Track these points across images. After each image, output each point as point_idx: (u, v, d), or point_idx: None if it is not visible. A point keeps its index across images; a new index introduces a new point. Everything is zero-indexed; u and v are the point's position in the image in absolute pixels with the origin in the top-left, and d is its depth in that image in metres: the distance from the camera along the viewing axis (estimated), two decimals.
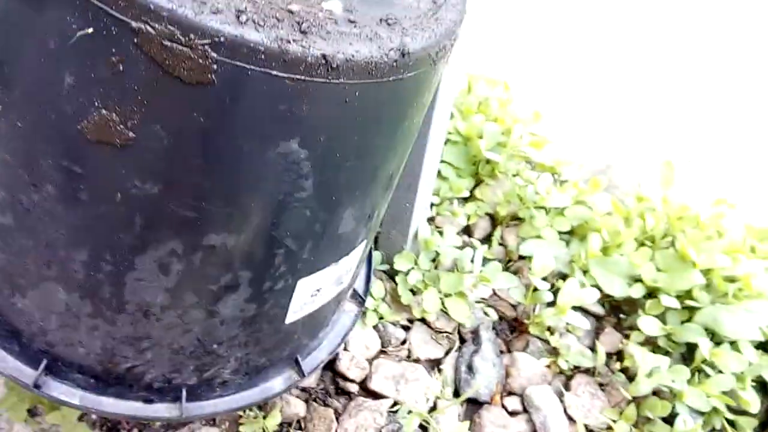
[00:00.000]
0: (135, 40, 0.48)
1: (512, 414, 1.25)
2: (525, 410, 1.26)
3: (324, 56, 0.51)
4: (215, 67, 0.50)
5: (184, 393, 0.78)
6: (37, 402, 0.94)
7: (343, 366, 1.24)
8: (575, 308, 1.32)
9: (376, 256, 1.42)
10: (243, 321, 0.73)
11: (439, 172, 1.53)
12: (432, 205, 1.51)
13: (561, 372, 1.32)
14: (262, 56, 0.50)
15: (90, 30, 0.49)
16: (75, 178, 0.58)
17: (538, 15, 2.36)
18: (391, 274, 1.41)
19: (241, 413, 1.06)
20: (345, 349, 1.29)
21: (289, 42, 0.50)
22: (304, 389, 1.22)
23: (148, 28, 0.48)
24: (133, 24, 0.47)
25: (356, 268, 0.86)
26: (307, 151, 0.58)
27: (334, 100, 0.55)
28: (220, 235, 0.62)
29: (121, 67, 0.50)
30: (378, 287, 1.36)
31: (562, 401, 1.25)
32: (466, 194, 1.51)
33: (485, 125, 1.53)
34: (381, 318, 1.35)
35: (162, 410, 0.78)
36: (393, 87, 0.58)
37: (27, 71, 0.53)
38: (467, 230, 1.59)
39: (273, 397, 0.87)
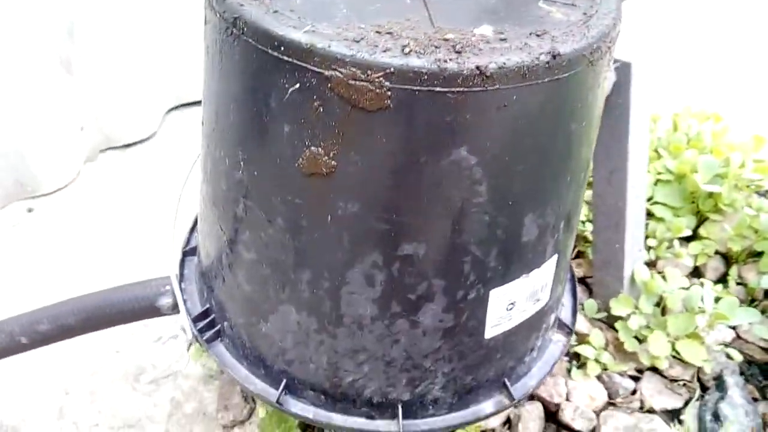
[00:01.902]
0: (329, 85, 0.64)
1: None
2: None
3: (478, 68, 0.62)
4: (390, 93, 0.63)
5: (400, 410, 0.87)
6: None
7: (567, 416, 1.23)
8: None
9: (591, 304, 1.40)
10: (444, 332, 0.81)
11: (653, 213, 1.49)
12: (650, 248, 1.46)
13: None
14: (425, 77, 0.62)
15: (297, 85, 0.66)
16: (297, 209, 0.74)
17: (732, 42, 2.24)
18: (610, 323, 1.38)
19: None
20: (567, 399, 1.27)
21: (445, 62, 0.62)
22: None
23: (337, 73, 0.63)
24: (326, 72, 0.64)
25: (555, 288, 0.90)
26: (477, 157, 0.68)
27: (493, 105, 0.65)
28: (411, 244, 0.73)
29: (321, 109, 0.66)
30: (597, 336, 1.34)
31: None
32: (688, 233, 1.43)
33: (699, 158, 1.47)
34: (605, 368, 1.31)
35: (382, 426, 0.88)
36: (549, 87, 0.66)
37: (258, 130, 0.72)
38: (697, 272, 1.50)
39: (484, 418, 0.91)
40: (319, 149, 0.69)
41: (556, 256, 0.84)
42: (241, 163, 0.77)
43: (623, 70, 1.09)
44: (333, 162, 0.69)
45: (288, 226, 0.76)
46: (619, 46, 1.10)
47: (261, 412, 1.26)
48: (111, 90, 1.97)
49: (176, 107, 2.25)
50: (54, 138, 1.85)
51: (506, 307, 0.82)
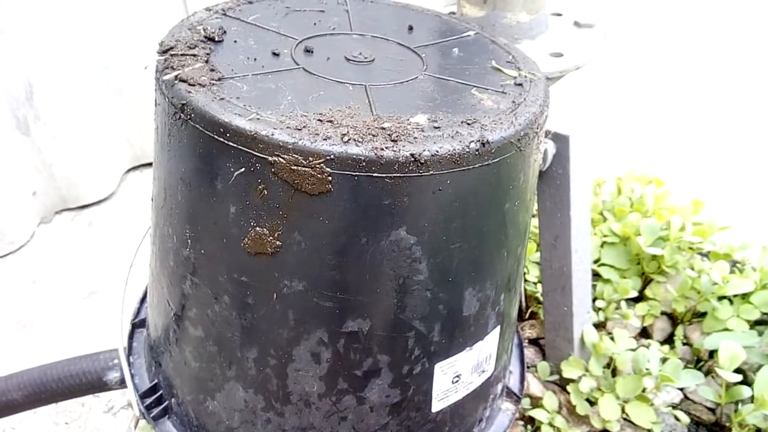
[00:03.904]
0: (272, 170, 0.67)
1: None
2: None
3: (412, 155, 0.65)
4: (330, 178, 0.66)
5: None
6: None
7: None
8: None
9: (544, 367, 1.42)
10: (391, 408, 0.82)
11: (600, 275, 1.54)
12: (598, 309, 1.50)
13: None
14: (364, 163, 0.65)
15: (242, 169, 0.68)
16: (243, 287, 0.76)
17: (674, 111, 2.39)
18: (563, 385, 1.40)
19: None
20: None
21: (382, 149, 0.65)
22: None
23: (280, 159, 0.66)
24: (270, 158, 0.66)
25: (500, 358, 0.92)
26: (415, 237, 0.71)
27: (429, 189, 0.68)
28: (356, 321, 0.75)
29: (266, 192, 0.69)
30: (550, 399, 1.35)
31: None
32: (634, 294, 1.48)
33: (642, 222, 1.53)
34: None
35: None
36: (480, 172, 0.70)
37: (205, 210, 0.74)
38: (645, 333, 1.54)
39: None
40: (264, 230, 0.71)
41: (498, 328, 0.87)
42: (189, 241, 0.78)
43: (562, 142, 1.15)
44: (278, 242, 0.71)
45: (234, 303, 0.77)
46: (558, 119, 1.16)
47: None
48: (68, 151, 1.97)
49: (136, 167, 2.26)
50: (5, 201, 1.83)
51: (452, 379, 0.84)
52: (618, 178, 1.71)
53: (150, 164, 2.25)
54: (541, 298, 1.54)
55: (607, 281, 1.53)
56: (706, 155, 2.24)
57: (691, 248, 1.54)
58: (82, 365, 1.05)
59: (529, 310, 1.59)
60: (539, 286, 1.57)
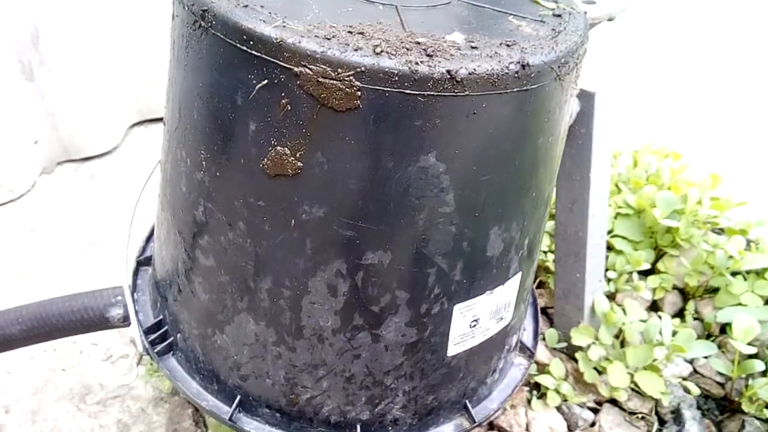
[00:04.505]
0: (298, 82, 0.63)
1: None
2: None
3: (448, 72, 0.61)
4: (359, 93, 0.62)
5: (359, 430, 0.84)
6: None
7: None
8: None
9: (552, 334, 1.39)
10: (406, 348, 0.78)
11: (613, 246, 1.51)
12: (609, 280, 1.47)
13: None
14: (396, 78, 0.61)
15: (265, 81, 0.64)
16: (259, 212, 0.72)
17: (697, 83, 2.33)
18: (570, 353, 1.37)
19: None
20: (527, 430, 1.25)
21: (417, 64, 0.61)
22: None
23: (307, 69, 0.62)
24: (296, 69, 0.62)
25: (518, 308, 0.88)
26: (445, 164, 0.67)
27: (463, 112, 0.64)
28: (376, 253, 0.71)
29: (289, 107, 0.65)
30: (558, 366, 1.33)
31: None
32: (647, 267, 1.45)
33: (657, 194, 1.50)
34: (565, 399, 1.30)
35: None
36: (518, 97, 0.66)
37: (222, 128, 0.70)
38: (655, 306, 1.51)
39: None
40: (285, 149, 0.67)
41: (519, 275, 0.83)
42: (204, 163, 0.74)
43: (587, 100, 1.11)
44: (299, 163, 0.67)
45: (249, 230, 0.74)
46: (583, 77, 1.12)
47: None
48: (73, 100, 1.92)
49: (141, 122, 2.21)
50: (5, 148, 1.78)
51: (470, 323, 0.81)
52: (635, 151, 1.67)
53: (156, 120, 2.20)
54: (550, 267, 1.51)
55: (620, 252, 1.49)
56: (725, 130, 2.19)
57: (705, 223, 1.50)
58: (84, 301, 1.01)
59: (538, 280, 1.55)
60: (549, 255, 1.53)
